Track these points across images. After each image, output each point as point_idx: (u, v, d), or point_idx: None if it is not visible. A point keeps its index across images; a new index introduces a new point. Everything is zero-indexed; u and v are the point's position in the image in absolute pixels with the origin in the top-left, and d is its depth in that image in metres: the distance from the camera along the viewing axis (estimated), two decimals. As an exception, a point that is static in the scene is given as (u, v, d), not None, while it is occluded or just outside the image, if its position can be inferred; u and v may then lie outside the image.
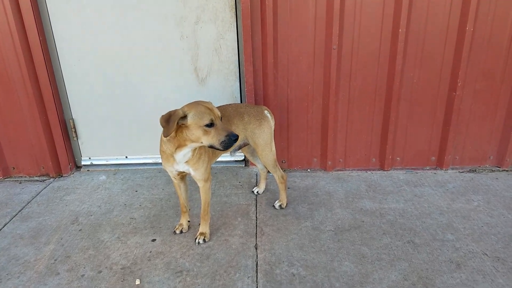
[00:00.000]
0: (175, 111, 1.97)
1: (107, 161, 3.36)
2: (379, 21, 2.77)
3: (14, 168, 3.27)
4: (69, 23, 2.94)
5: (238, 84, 3.07)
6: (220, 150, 2.01)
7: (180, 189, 2.38)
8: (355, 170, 3.21)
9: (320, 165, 3.23)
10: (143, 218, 2.62)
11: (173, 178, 2.33)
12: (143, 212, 2.69)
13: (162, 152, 2.18)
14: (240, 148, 2.54)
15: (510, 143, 3.04)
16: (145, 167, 3.35)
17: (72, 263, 2.21)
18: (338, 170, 3.21)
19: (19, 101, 3.01)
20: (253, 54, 2.87)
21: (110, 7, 2.88)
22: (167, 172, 2.31)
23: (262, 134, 2.44)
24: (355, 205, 2.70)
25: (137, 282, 2.05)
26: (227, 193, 2.90)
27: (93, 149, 3.33)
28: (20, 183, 3.21)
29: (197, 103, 2.02)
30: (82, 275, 2.11)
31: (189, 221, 2.50)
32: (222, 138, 1.97)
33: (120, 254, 2.27)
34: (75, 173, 3.34)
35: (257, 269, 2.11)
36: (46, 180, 3.24)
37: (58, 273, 2.13)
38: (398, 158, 3.16)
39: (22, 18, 2.82)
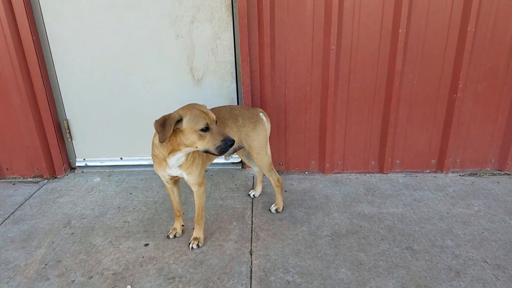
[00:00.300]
0: (170, 115, 1.91)
1: (101, 163, 3.32)
2: (378, 20, 2.70)
3: (7, 169, 3.23)
4: (63, 22, 2.88)
5: (235, 85, 3.01)
6: (215, 155, 1.96)
7: (173, 193, 2.33)
8: (353, 172, 3.15)
9: (318, 167, 3.17)
10: (136, 222, 2.58)
11: (165, 183, 2.28)
12: (137, 216, 2.65)
13: (154, 156, 2.12)
14: (235, 151, 2.49)
15: (512, 146, 2.98)
16: (140, 169, 3.30)
17: (63, 268, 2.17)
18: (336, 173, 3.16)
19: (12, 101, 2.97)
20: (250, 54, 2.81)
21: (105, 6, 2.83)
22: (160, 181, 2.27)
23: (256, 137, 2.38)
24: (353, 209, 2.64)
25: (128, 288, 2.00)
26: (222, 196, 2.85)
27: (87, 150, 3.29)
28: (14, 184, 3.17)
29: (191, 107, 1.96)
30: (73, 281, 2.06)
31: (183, 225, 2.45)
32: (218, 143, 1.92)
33: (112, 259, 2.23)
34: (69, 175, 3.29)
35: (251, 276, 2.06)
36: (40, 181, 3.19)
37: (48, 279, 2.09)
38: (397, 161, 3.10)
39: (15, 16, 2.77)
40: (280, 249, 2.26)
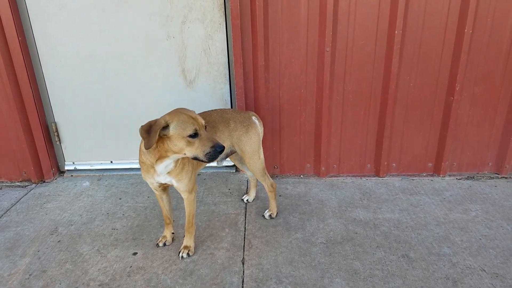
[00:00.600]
0: (156, 120, 1.84)
1: (91, 166, 3.23)
2: (374, 22, 2.64)
3: (-6, 173, 3.14)
4: (50, 23, 2.79)
5: (228, 87, 2.94)
6: (205, 162, 1.89)
7: (163, 200, 2.26)
8: (349, 176, 3.09)
9: (314, 170, 3.11)
10: (125, 229, 2.50)
11: (154, 190, 2.20)
12: (126, 222, 2.57)
13: (141, 163, 2.05)
14: (227, 156, 2.42)
15: (509, 149, 2.93)
16: (131, 173, 3.22)
17: (48, 278, 2.09)
18: (332, 176, 3.09)
19: (-3, 104, 2.88)
20: (243, 55, 2.73)
21: (92, 5, 2.74)
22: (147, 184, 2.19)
23: (249, 141, 2.31)
24: (348, 214, 2.58)
25: (115, 301, 1.93)
26: (215, 201, 2.78)
27: (77, 154, 3.20)
28: (1, 188, 3.08)
29: (179, 112, 1.88)
30: (57, 292, 1.99)
31: (173, 233, 2.38)
32: (207, 149, 1.84)
33: (99, 269, 2.15)
34: (58, 179, 3.21)
35: (243, 286, 1.99)
36: (28, 185, 3.11)
37: (32, 290, 2.01)
38: (394, 164, 3.04)
39: (0, 16, 2.67)
40: (273, 258, 2.19)
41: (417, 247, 2.26)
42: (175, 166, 2.02)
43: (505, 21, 2.62)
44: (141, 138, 2.02)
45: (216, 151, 1.84)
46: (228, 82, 2.92)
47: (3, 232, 2.50)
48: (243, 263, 2.16)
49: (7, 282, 2.07)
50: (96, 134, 3.12)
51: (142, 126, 1.82)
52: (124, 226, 2.53)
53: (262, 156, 2.39)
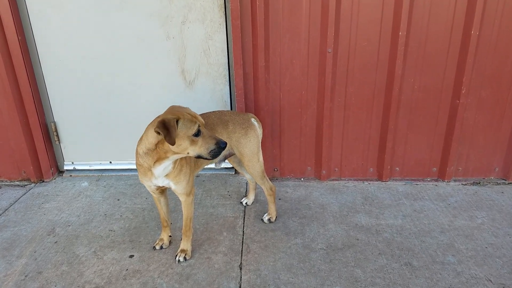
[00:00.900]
0: (165, 118, 1.75)
1: (90, 166, 3.21)
2: (377, 22, 2.58)
3: (-6, 173, 3.13)
4: (50, 22, 2.77)
5: (228, 88, 2.90)
6: (209, 159, 1.87)
7: (160, 203, 2.22)
8: (351, 180, 3.03)
9: (314, 174, 3.06)
10: (122, 231, 2.47)
11: (152, 193, 2.17)
12: (123, 224, 2.54)
13: (138, 165, 2.00)
14: (225, 158, 2.37)
15: (517, 154, 2.86)
16: (130, 173, 3.19)
17: (43, 280, 2.06)
18: (333, 180, 3.03)
19: (-3, 103, 2.86)
20: (243, 56, 2.69)
21: (93, 5, 2.71)
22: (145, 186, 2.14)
23: (248, 143, 2.26)
24: (349, 220, 2.52)
25: (108, 305, 1.89)
26: (213, 204, 2.73)
27: (76, 154, 3.18)
28: (0, 187, 3.07)
29: (180, 110, 1.84)
30: (51, 295, 1.96)
31: (170, 235, 2.34)
32: (212, 146, 1.82)
33: (94, 271, 2.12)
34: (57, 179, 3.19)
35: (239, 292, 1.95)
36: (27, 185, 3.09)
37: (27, 292, 1.98)
38: (397, 168, 2.97)
39: (0, 16, 2.66)
40: (271, 263, 2.14)
41: (421, 255, 2.19)
42: (173, 168, 1.98)
43: (513, 22, 2.55)
44: (137, 140, 1.99)
45: (220, 148, 1.83)
46: (228, 83, 2.88)
47: (1, 232, 2.48)
48: (240, 268, 2.11)
49: (3, 283, 2.04)
50: (95, 134, 3.10)
51: (157, 126, 1.73)
52: (121, 228, 2.49)
53: (261, 159, 2.35)
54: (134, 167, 3.16)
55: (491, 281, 1.99)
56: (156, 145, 1.85)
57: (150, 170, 1.94)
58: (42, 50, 2.85)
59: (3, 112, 2.88)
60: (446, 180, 2.95)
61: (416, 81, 2.71)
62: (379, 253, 2.21)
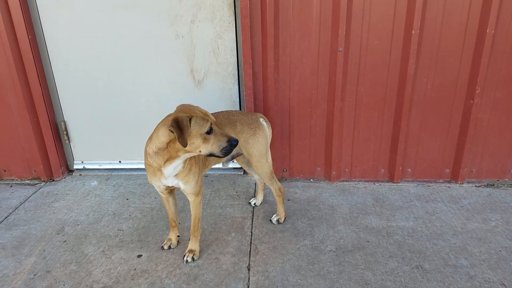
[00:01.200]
0: (178, 117, 1.73)
1: (100, 166, 3.22)
2: (390, 20, 2.53)
3: (5, 171, 3.16)
4: (59, 21, 2.78)
5: (237, 87, 2.88)
6: (221, 157, 1.87)
7: (169, 203, 2.21)
8: (361, 181, 2.98)
9: (324, 174, 3.02)
10: (131, 230, 2.47)
11: (160, 193, 2.16)
12: (132, 223, 2.54)
13: (148, 165, 1.99)
14: (233, 158, 2.36)
15: (533, 155, 2.78)
16: (139, 173, 3.19)
17: (52, 279, 2.07)
18: (343, 181, 2.99)
19: (8, 102, 2.89)
20: (253, 55, 2.67)
21: (101, 4, 2.71)
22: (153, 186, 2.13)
23: (256, 144, 2.24)
24: (360, 221, 2.48)
25: (116, 305, 1.89)
26: (222, 204, 2.72)
27: (85, 153, 3.19)
28: (11, 186, 3.10)
29: (190, 108, 1.83)
30: (60, 294, 1.97)
31: (178, 236, 2.33)
32: (223, 144, 1.82)
33: (103, 271, 2.12)
34: (67, 178, 3.21)
35: (247, 294, 1.93)
36: (37, 184, 3.11)
37: (35, 291, 1.99)
38: (409, 170, 2.92)
39: (11, 15, 2.68)
40: (280, 265, 2.12)
41: (432, 257, 2.14)
42: (183, 167, 1.97)
43: (530, 20, 2.48)
44: (146, 140, 1.99)
45: (232, 145, 1.83)
46: (237, 83, 2.86)
47: (11, 230, 2.50)
48: (248, 270, 2.09)
49: (12, 282, 2.05)
50: (104, 133, 3.11)
51: (171, 124, 1.71)
52: (130, 227, 2.49)
53: (270, 159, 2.32)
54: (143, 166, 3.17)
55: (505, 285, 1.94)
56: (168, 144, 1.83)
57: (160, 170, 1.93)
58: (52, 49, 2.87)
59: (14, 111, 2.91)
60: (459, 182, 2.89)
61: (429, 80, 2.65)
62: (390, 256, 2.17)
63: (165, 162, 1.89)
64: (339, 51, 2.57)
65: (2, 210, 2.74)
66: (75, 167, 3.24)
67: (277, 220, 2.47)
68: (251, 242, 2.31)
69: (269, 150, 2.32)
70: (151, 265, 2.15)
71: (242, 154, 2.31)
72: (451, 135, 2.80)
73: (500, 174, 2.90)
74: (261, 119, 2.31)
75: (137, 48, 2.82)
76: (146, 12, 2.71)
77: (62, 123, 3.08)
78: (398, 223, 2.45)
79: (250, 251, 2.23)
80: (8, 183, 3.14)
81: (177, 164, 1.93)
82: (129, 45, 2.81)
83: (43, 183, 3.12)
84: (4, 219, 2.63)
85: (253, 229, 2.44)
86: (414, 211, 2.59)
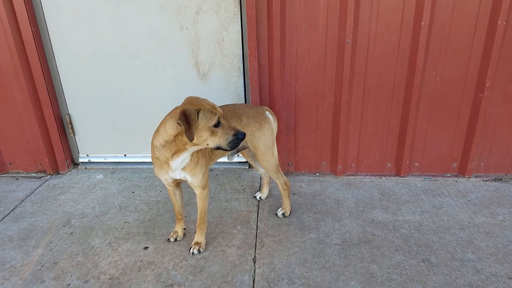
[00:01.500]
0: (186, 110, 1.72)
1: (105, 159, 3.22)
2: (399, 12, 2.49)
3: (11, 164, 3.18)
4: (64, 14, 2.77)
5: (242, 81, 2.86)
6: (228, 150, 1.86)
7: (175, 196, 2.21)
8: (368, 175, 2.96)
9: (330, 169, 3.00)
10: (137, 223, 2.47)
11: (167, 186, 2.15)
12: (138, 216, 2.54)
13: (155, 159, 1.98)
14: (238, 151, 2.35)
15: (542, 150, 2.74)
16: (144, 166, 3.20)
17: (59, 270, 2.08)
18: (349, 175, 2.97)
19: (13, 95, 2.89)
20: (258, 47, 2.64)
21: (107, -4, 2.70)
22: (160, 179, 2.12)
23: (262, 137, 2.22)
24: (366, 215, 2.47)
25: (123, 296, 1.90)
26: (227, 198, 2.71)
27: (90, 146, 3.20)
28: (17, 179, 3.11)
29: (197, 101, 1.80)
30: (68, 285, 1.98)
31: (184, 228, 2.33)
32: (230, 137, 1.81)
33: (109, 262, 2.13)
34: (72, 171, 3.21)
35: (253, 286, 1.93)
36: (43, 177, 3.13)
37: (44, 281, 2.00)
38: (416, 164, 2.90)
39: (14, 7, 2.66)
40: (285, 258, 2.11)
41: (439, 251, 2.13)
42: (190, 160, 1.96)
43: (542, 11, 2.42)
44: (152, 133, 1.98)
45: (239, 139, 1.82)
46: (242, 76, 2.84)
47: (17, 222, 2.52)
48: (254, 262, 2.09)
49: (20, 273, 2.07)
50: (109, 127, 3.11)
51: (181, 113, 1.70)
52: (136, 220, 2.50)
53: (276, 153, 2.31)
54: (149, 160, 3.18)
55: (511, 279, 1.92)
56: (175, 137, 1.82)
57: (167, 163, 1.92)
58: (56, 42, 2.86)
59: (18, 104, 2.91)
60: (466, 176, 2.86)
61: (438, 73, 2.61)
62: (396, 249, 2.16)
63: (172, 155, 1.88)
64: (347, 43, 2.54)
65: (8, 203, 2.76)
66: (81, 160, 3.25)
67: (283, 214, 2.46)
68: (256, 235, 2.31)
69: (275, 143, 2.31)
70: (158, 257, 2.16)
71: (247, 147, 2.30)
72: (460, 129, 2.77)
73: (509, 168, 2.87)
74: (267, 112, 2.29)
75: (142, 40, 2.80)
76: (151, 4, 2.69)
77: (67, 116, 3.08)
78: (405, 217, 2.44)
79: (255, 244, 2.23)
80: (14, 176, 3.15)
81: (184, 157, 1.92)
82: (134, 38, 2.79)
83: (48, 176, 3.13)
84: (11, 212, 2.64)
85: (258, 222, 2.43)
86: (420, 205, 2.57)
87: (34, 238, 2.36)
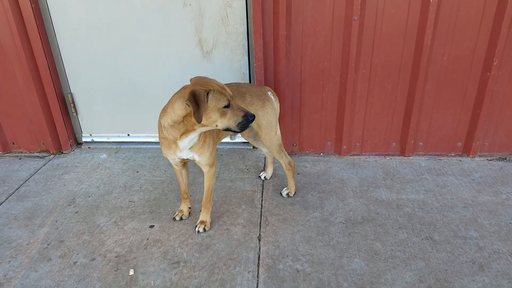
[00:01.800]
0: (195, 90, 1.68)
1: (108, 139, 3.21)
2: (407, -12, 2.42)
3: (13, 143, 3.16)
4: (64, -11, 2.70)
5: (247, 59, 2.81)
6: (237, 132, 1.84)
7: (182, 175, 2.21)
8: (372, 155, 2.96)
9: (334, 149, 2.99)
10: (142, 202, 2.48)
11: (174, 165, 2.15)
12: (143, 195, 2.55)
13: (162, 139, 1.97)
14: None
15: (547, 129, 2.73)
16: (148, 146, 3.19)
17: (65, 248, 2.10)
18: (353, 155, 2.97)
19: (14, 74, 2.85)
20: (263, 24, 2.58)
21: (107, -30, 2.62)
22: (167, 159, 2.11)
23: (265, 115, 2.21)
24: (370, 194, 2.48)
25: (131, 272, 1.92)
26: (232, 178, 2.72)
27: (94, 126, 3.18)
28: (20, 158, 3.11)
29: (207, 81, 1.77)
30: (75, 262, 2.00)
31: (190, 207, 2.34)
32: (239, 119, 1.78)
33: (115, 241, 2.15)
34: (75, 150, 3.21)
35: (259, 263, 1.95)
36: (46, 156, 3.12)
37: (50, 259, 2.02)
38: (420, 143, 2.89)
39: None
40: (290, 236, 2.13)
41: (442, 229, 2.15)
42: (198, 140, 1.95)
43: (555, -13, 2.36)
44: (159, 110, 1.96)
45: (248, 120, 1.79)
46: (247, 54, 2.79)
47: (22, 202, 2.52)
48: (259, 240, 2.11)
49: (26, 251, 2.09)
50: (112, 106, 3.08)
51: (191, 94, 1.68)
52: (141, 199, 2.51)
53: (278, 132, 2.29)
54: (153, 140, 3.17)
55: (516, 257, 1.95)
56: (184, 117, 1.80)
57: (175, 143, 1.91)
58: (57, 19, 2.79)
59: (20, 83, 2.87)
60: (471, 156, 2.86)
61: (446, 52, 2.57)
62: (400, 227, 2.18)
63: (181, 135, 1.87)
64: (354, 20, 2.48)
65: (12, 182, 2.76)
66: (84, 140, 3.24)
67: (287, 194, 2.47)
68: (261, 214, 2.32)
69: (278, 123, 2.29)
70: (164, 235, 2.18)
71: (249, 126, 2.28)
72: (465, 108, 2.75)
73: (513, 148, 2.87)
74: (269, 92, 2.27)
75: (145, 17, 2.73)
76: (153, -21, 2.62)
77: (69, 95, 3.05)
78: (409, 196, 2.45)
79: (260, 223, 2.25)
80: (17, 156, 3.15)
81: (193, 137, 1.91)
82: (137, 15, 2.73)
83: (52, 156, 3.12)
84: (15, 191, 2.65)
85: (263, 201, 2.44)
86: (424, 184, 2.57)
87: (40, 217, 2.37)
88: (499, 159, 2.85)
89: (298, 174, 2.73)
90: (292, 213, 2.33)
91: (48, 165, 2.99)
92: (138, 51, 2.85)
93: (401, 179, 2.64)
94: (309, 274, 1.88)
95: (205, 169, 2.09)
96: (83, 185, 2.69)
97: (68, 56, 2.92)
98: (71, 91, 3.05)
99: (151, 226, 2.25)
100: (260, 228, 2.20)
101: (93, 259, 2.01)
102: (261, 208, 2.38)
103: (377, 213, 2.30)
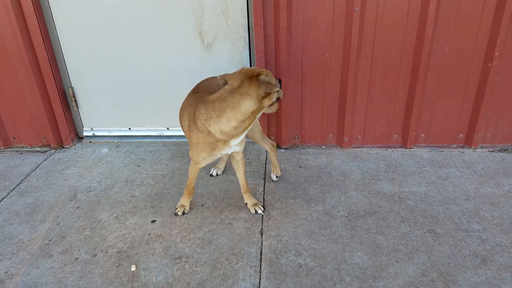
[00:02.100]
0: (263, 80, 1.79)
1: (109, 133, 3.20)
2: (410, -22, 2.39)
3: (14, 138, 3.16)
4: (61, -19, 2.66)
5: (248, 51, 2.78)
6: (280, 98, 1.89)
7: (196, 173, 2.24)
8: (374, 147, 2.95)
9: (336, 141, 2.98)
10: (144, 196, 2.48)
11: (201, 166, 2.14)
12: (145, 190, 2.55)
13: (209, 144, 1.95)
14: None
15: (550, 120, 2.71)
16: (149, 140, 3.17)
17: (67, 244, 2.10)
18: (355, 147, 2.96)
19: (14, 68, 2.82)
20: (264, 16, 2.55)
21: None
22: (199, 164, 2.08)
23: None
24: (372, 187, 2.47)
25: (133, 268, 1.93)
26: (233, 171, 2.71)
27: (95, 120, 3.16)
28: (21, 153, 3.10)
29: (251, 69, 1.85)
30: (76, 258, 2.00)
31: (191, 200, 2.34)
32: (279, 85, 1.92)
33: (117, 236, 2.15)
34: (76, 145, 3.20)
35: (261, 257, 1.96)
36: (47, 151, 3.11)
37: (52, 255, 2.03)
38: (422, 135, 2.87)
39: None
40: (292, 230, 2.13)
41: (445, 222, 2.15)
42: None
43: (560, -24, 2.32)
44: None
45: (280, 81, 1.98)
46: (248, 46, 2.76)
47: (23, 197, 2.53)
48: (261, 234, 2.11)
49: (27, 247, 2.09)
50: (113, 100, 3.06)
51: (267, 85, 1.77)
52: (142, 194, 2.51)
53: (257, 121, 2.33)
54: (154, 133, 3.16)
55: (518, 249, 1.95)
56: (252, 112, 1.82)
57: (227, 142, 1.94)
58: (57, 13, 2.76)
59: (21, 77, 2.85)
60: (472, 147, 2.85)
61: (447, 43, 2.54)
62: (402, 220, 2.17)
63: (243, 130, 1.89)
64: (355, 11, 2.45)
65: (14, 177, 2.76)
66: (85, 134, 3.23)
67: (276, 176, 2.54)
68: (263, 207, 2.32)
69: None
70: (165, 230, 2.18)
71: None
72: (467, 99, 2.73)
73: (515, 139, 2.85)
74: None
75: (145, 10, 2.70)
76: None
77: (70, 89, 3.03)
78: (411, 188, 2.44)
79: (262, 217, 2.25)
80: (18, 150, 3.14)
81: (248, 129, 1.95)
82: (136, 7, 2.69)
83: (53, 150, 3.12)
84: (16, 186, 2.65)
85: (265, 195, 2.44)
86: (426, 176, 2.57)
87: (41, 212, 2.37)
88: (501, 150, 2.84)
89: (300, 167, 2.72)
90: (294, 206, 2.32)
91: (49, 160, 2.98)
92: (139, 44, 2.82)
93: (403, 171, 2.64)
94: (311, 268, 1.88)
95: (239, 156, 2.17)
96: (85, 180, 2.68)
97: (68, 50, 2.89)
98: (72, 85, 3.03)
99: (153, 221, 2.25)
100: (262, 222, 2.20)
101: (94, 255, 2.02)
102: (263, 202, 2.37)
103: (379, 206, 2.30)
